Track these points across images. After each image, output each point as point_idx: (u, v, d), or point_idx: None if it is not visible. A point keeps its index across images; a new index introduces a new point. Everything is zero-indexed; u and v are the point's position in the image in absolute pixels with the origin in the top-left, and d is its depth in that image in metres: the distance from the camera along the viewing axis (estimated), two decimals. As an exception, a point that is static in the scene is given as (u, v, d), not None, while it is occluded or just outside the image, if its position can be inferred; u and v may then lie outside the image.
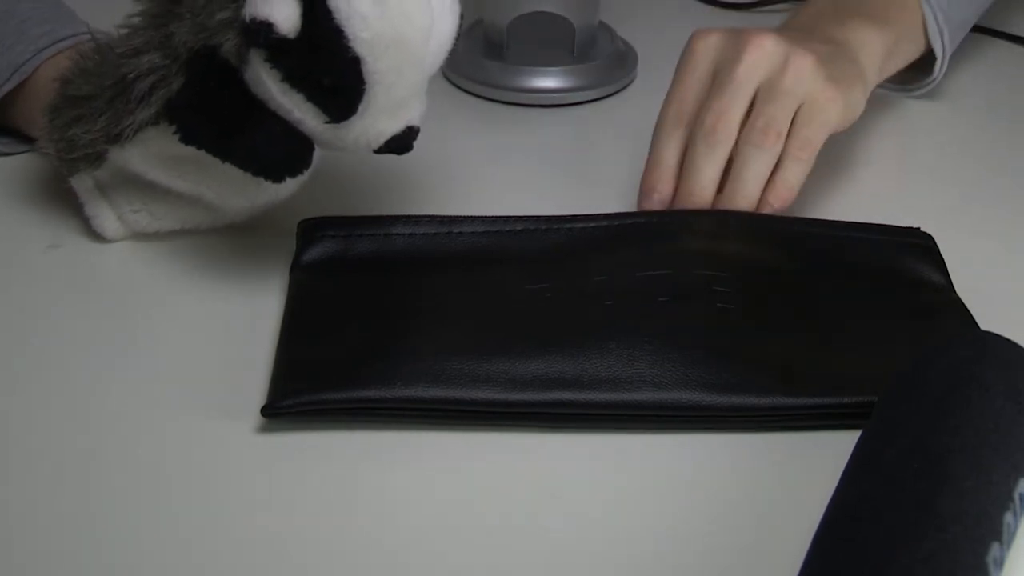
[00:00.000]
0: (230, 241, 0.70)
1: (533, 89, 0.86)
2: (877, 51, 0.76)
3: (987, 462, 0.46)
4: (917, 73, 0.84)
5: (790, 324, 0.62)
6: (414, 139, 0.62)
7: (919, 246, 0.68)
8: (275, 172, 0.61)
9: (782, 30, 0.76)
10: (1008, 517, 0.45)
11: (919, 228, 0.70)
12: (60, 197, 0.71)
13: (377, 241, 0.67)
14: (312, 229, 0.68)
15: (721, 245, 0.66)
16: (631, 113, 0.74)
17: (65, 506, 0.54)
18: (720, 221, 0.68)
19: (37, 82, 0.71)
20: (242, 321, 0.65)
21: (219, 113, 0.60)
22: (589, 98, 0.87)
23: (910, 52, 0.81)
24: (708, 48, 0.71)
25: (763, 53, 0.69)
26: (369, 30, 0.56)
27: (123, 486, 0.55)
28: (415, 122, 0.62)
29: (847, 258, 0.67)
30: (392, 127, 0.61)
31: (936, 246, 0.69)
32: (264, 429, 0.58)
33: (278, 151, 0.61)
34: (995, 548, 0.44)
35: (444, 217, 0.68)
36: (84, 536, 0.53)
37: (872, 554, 0.43)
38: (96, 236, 0.70)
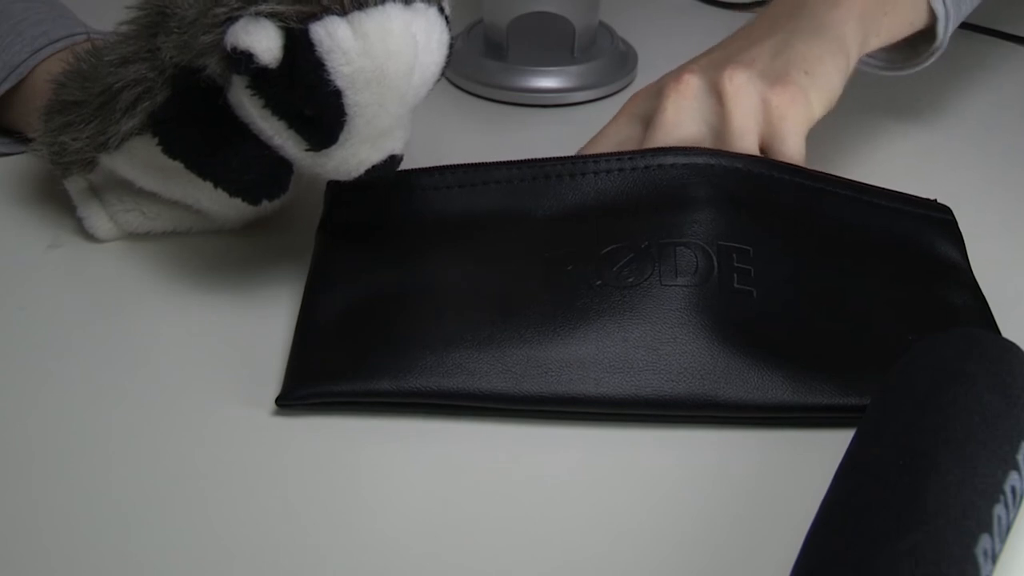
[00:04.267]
0: (232, 240, 0.70)
1: (533, 89, 0.86)
2: (855, 2, 0.70)
3: (973, 455, 0.46)
4: (920, 48, 0.76)
5: (805, 316, 0.62)
6: (396, 167, 0.62)
7: (939, 220, 0.68)
8: (252, 194, 0.61)
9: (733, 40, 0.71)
10: (999, 510, 0.45)
11: (936, 200, 0.69)
12: (60, 197, 0.71)
13: (404, 203, 0.66)
14: (339, 190, 0.68)
15: (742, 206, 0.64)
16: (631, 113, 0.74)
17: (74, 504, 0.55)
18: (746, 175, 0.65)
19: (34, 83, 0.71)
20: (244, 319, 0.65)
21: (200, 131, 0.61)
22: (589, 98, 0.87)
23: (908, 15, 0.73)
24: (634, 102, 0.70)
25: (685, 90, 0.67)
26: (351, 65, 0.56)
27: (126, 479, 0.56)
28: (397, 151, 0.62)
29: (867, 234, 0.66)
30: (374, 156, 0.61)
31: (955, 220, 0.69)
32: (277, 413, 0.59)
33: (256, 174, 0.61)
34: (985, 540, 0.44)
35: (470, 167, 0.67)
36: (102, 519, 0.54)
37: (857, 548, 0.44)
38: (95, 236, 0.70)
